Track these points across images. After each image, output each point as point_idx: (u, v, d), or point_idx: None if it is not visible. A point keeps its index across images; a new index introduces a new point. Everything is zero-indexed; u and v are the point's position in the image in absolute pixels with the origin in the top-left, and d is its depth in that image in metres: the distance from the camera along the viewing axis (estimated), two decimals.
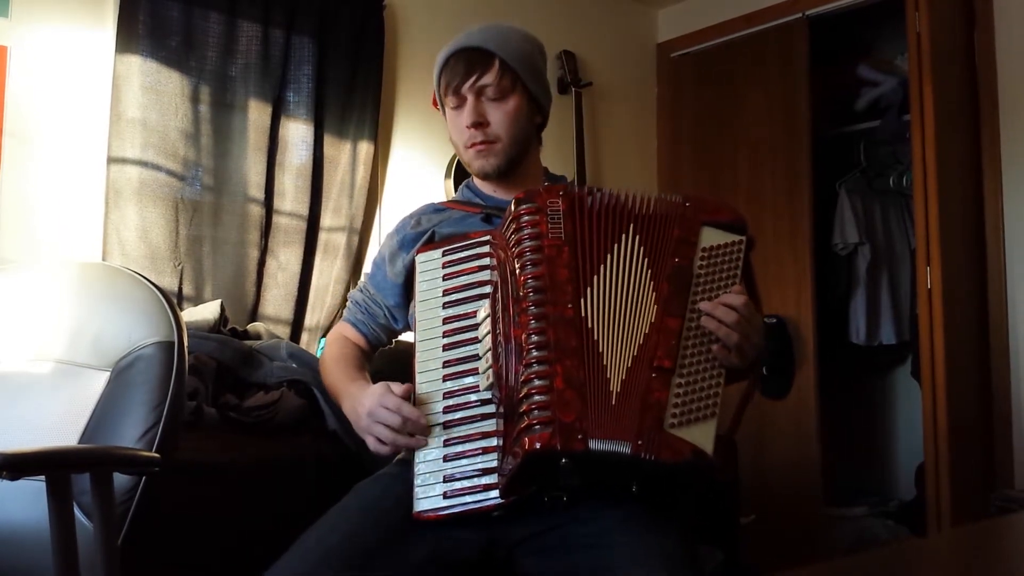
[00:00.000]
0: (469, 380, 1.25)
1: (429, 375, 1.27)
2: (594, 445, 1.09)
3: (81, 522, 1.20)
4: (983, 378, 2.65)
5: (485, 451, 1.20)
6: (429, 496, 1.20)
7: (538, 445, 1.08)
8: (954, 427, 2.48)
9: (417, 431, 1.23)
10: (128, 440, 1.27)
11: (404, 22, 2.74)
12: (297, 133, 2.44)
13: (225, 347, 1.97)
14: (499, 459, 1.18)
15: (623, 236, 1.25)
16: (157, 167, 2.20)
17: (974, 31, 2.75)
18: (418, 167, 2.74)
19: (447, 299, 1.32)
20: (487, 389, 1.21)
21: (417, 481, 1.21)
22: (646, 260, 1.23)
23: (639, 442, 1.10)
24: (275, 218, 2.40)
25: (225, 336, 2.07)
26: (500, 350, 1.19)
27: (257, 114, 2.36)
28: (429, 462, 1.22)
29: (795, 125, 3.00)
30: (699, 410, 1.14)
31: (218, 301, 2.19)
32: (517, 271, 1.21)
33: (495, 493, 1.17)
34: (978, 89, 2.73)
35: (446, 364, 1.27)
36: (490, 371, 1.20)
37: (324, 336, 2.40)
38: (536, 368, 1.13)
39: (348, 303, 1.57)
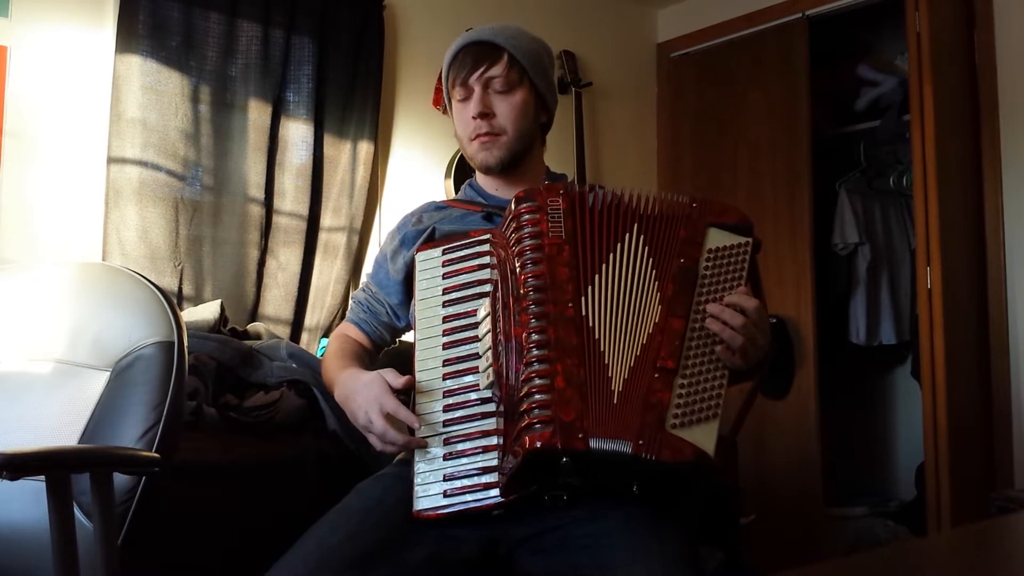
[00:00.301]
0: (469, 379, 1.25)
1: (429, 374, 1.27)
2: (595, 444, 1.08)
3: (81, 522, 1.20)
4: (983, 378, 2.65)
5: (485, 450, 1.20)
6: (429, 495, 1.20)
7: (539, 444, 1.07)
8: (954, 427, 2.48)
9: (402, 440, 1.22)
10: (128, 440, 1.27)
11: (404, 22, 2.74)
12: (297, 133, 2.44)
13: (225, 347, 1.97)
14: (499, 458, 1.18)
15: (626, 235, 1.25)
16: (157, 167, 2.21)
17: (974, 31, 2.74)
18: (418, 167, 2.74)
19: (447, 298, 1.32)
20: (487, 388, 1.21)
21: (417, 480, 1.21)
22: (650, 260, 1.23)
23: (640, 442, 1.09)
24: (275, 218, 2.40)
25: (225, 336, 2.07)
26: (500, 349, 1.19)
27: (257, 114, 2.36)
28: (429, 461, 1.22)
29: (795, 125, 3.00)
30: (701, 411, 1.14)
31: (218, 301, 2.19)
32: (517, 270, 1.21)
33: (495, 492, 1.17)
34: (978, 89, 2.73)
35: (446, 363, 1.27)
36: (490, 370, 1.20)
37: (324, 336, 2.41)
38: (537, 367, 1.12)
39: (351, 303, 1.57)
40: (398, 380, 1.25)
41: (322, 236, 2.47)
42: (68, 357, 1.37)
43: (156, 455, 1.25)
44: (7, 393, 1.37)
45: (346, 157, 2.52)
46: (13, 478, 1.05)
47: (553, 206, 1.25)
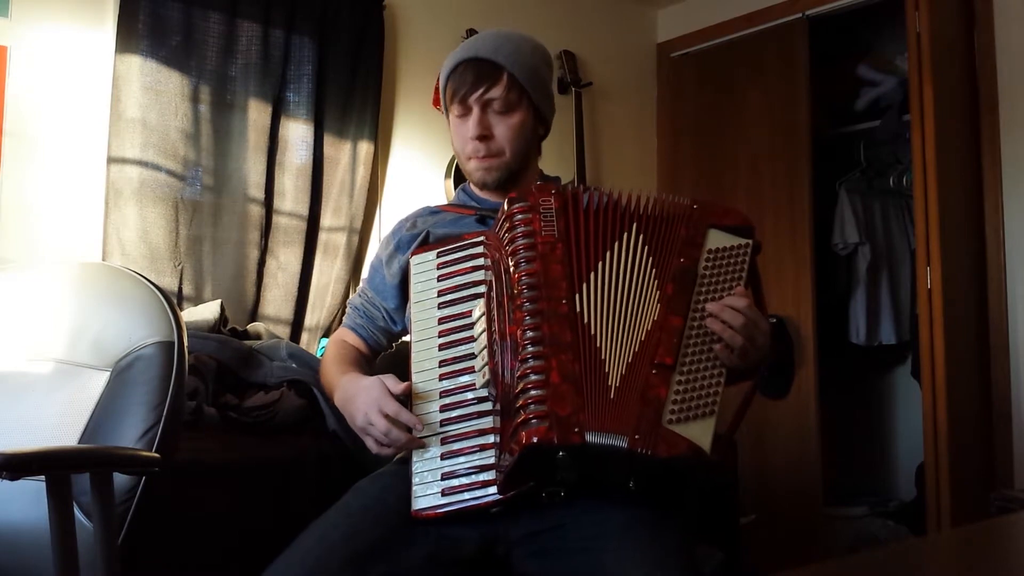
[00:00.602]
0: (465, 379, 1.25)
1: (425, 375, 1.28)
2: (591, 438, 1.09)
3: (81, 522, 1.20)
4: (983, 378, 2.65)
5: (482, 448, 1.20)
6: (427, 494, 1.20)
7: (535, 439, 1.08)
8: (954, 427, 2.48)
9: (405, 439, 1.22)
10: (128, 440, 1.27)
11: (404, 22, 2.74)
12: (297, 133, 2.44)
13: (225, 347, 1.97)
14: (496, 456, 1.18)
15: (624, 234, 1.26)
16: (157, 167, 2.21)
17: (974, 31, 2.75)
18: (418, 167, 2.74)
19: (442, 299, 1.33)
20: (483, 387, 1.22)
21: (415, 480, 1.22)
22: (650, 259, 1.24)
23: (636, 436, 1.10)
24: (275, 218, 2.40)
25: (225, 336, 2.07)
26: (496, 347, 1.20)
27: (257, 114, 2.36)
28: (426, 460, 1.22)
29: (795, 125, 3.00)
30: (698, 408, 1.14)
31: (218, 301, 2.19)
32: (511, 269, 1.22)
33: (493, 490, 1.17)
34: (978, 89, 2.73)
35: (442, 363, 1.28)
36: (486, 368, 1.21)
37: (324, 336, 2.41)
38: (531, 363, 1.13)
39: (348, 309, 1.58)
40: (398, 386, 1.25)
41: (322, 236, 2.47)
42: (68, 357, 1.37)
43: (156, 455, 1.25)
44: (7, 393, 1.37)
45: (346, 157, 2.52)
46: (13, 478, 1.05)
47: (545, 205, 1.26)
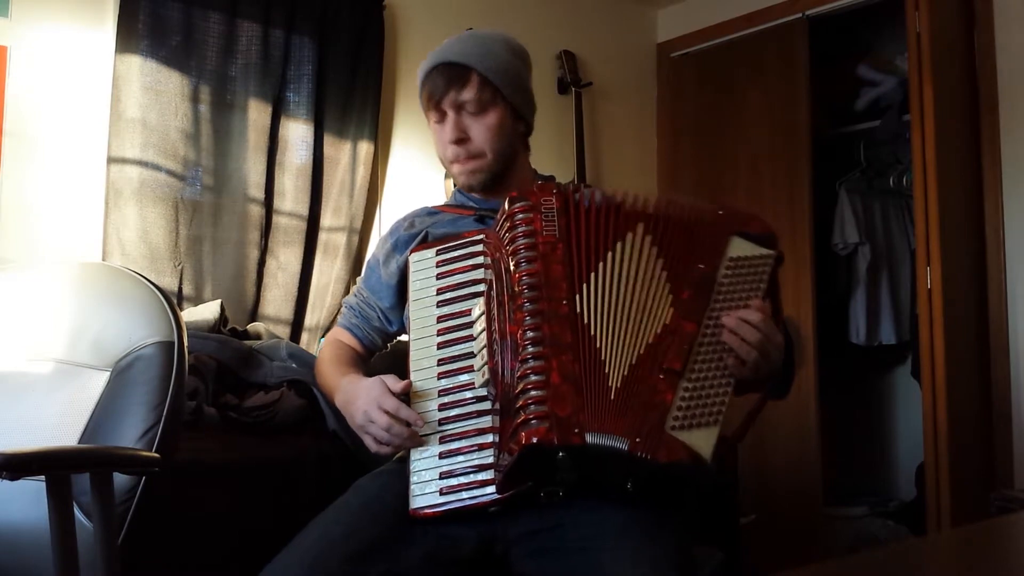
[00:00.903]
0: (464, 378, 1.25)
1: (424, 373, 1.28)
2: (591, 439, 1.09)
3: (81, 522, 1.20)
4: (983, 378, 2.65)
5: (481, 447, 1.20)
6: (425, 493, 1.20)
7: (535, 439, 1.08)
8: (954, 427, 2.48)
9: (407, 433, 1.22)
10: (128, 440, 1.27)
11: (404, 22, 2.74)
12: (297, 133, 2.44)
13: (225, 347, 1.97)
14: (495, 455, 1.18)
15: (628, 234, 1.25)
16: (157, 167, 2.21)
17: (974, 31, 2.75)
18: (418, 167, 2.74)
19: (441, 298, 1.32)
20: (483, 386, 1.22)
21: (413, 479, 1.22)
22: (660, 261, 1.23)
23: (637, 440, 1.10)
24: (275, 218, 2.40)
25: (225, 336, 2.07)
26: (495, 347, 1.20)
27: (257, 114, 2.36)
28: (425, 459, 1.22)
29: (795, 125, 3.00)
30: (703, 416, 1.13)
31: (218, 301, 2.19)
32: (512, 268, 1.21)
33: (491, 489, 1.17)
34: (978, 89, 2.73)
35: (440, 362, 1.27)
36: (485, 368, 1.20)
37: (324, 336, 2.41)
38: (532, 364, 1.13)
39: (343, 308, 1.58)
40: (398, 384, 1.25)
41: (322, 236, 2.47)
42: (68, 357, 1.37)
43: (156, 455, 1.25)
44: (7, 393, 1.37)
45: (346, 157, 2.52)
46: (13, 478, 1.05)
47: (547, 205, 1.26)
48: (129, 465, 1.25)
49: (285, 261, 2.40)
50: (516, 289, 1.19)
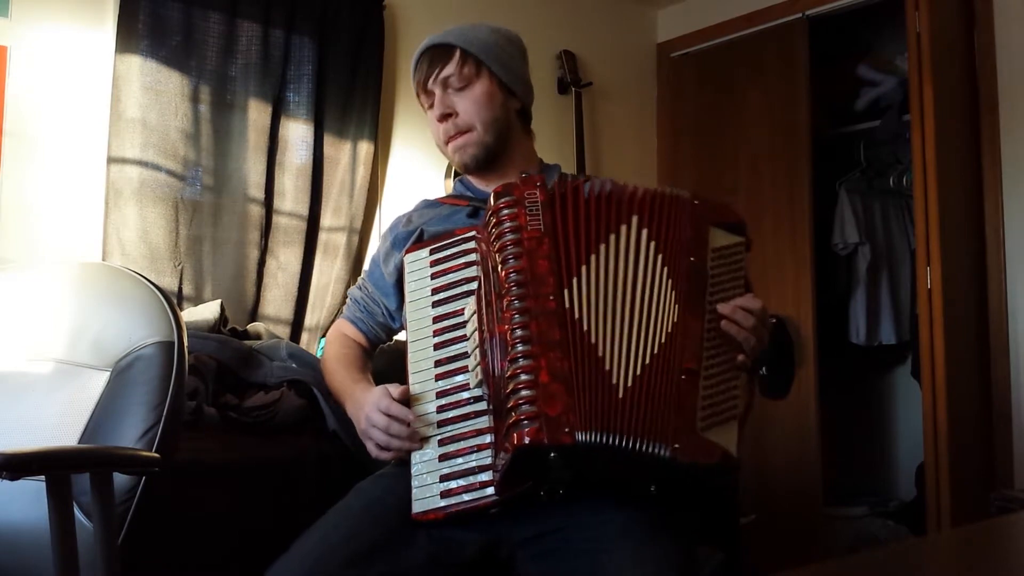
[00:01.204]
0: (460, 378, 1.24)
1: (421, 375, 1.27)
2: (581, 437, 1.07)
3: (81, 522, 1.20)
4: (983, 378, 2.65)
5: (479, 448, 1.19)
6: (427, 497, 1.20)
7: (526, 440, 1.07)
8: (954, 427, 2.48)
9: (406, 432, 1.23)
10: (128, 440, 1.27)
11: (404, 22, 2.74)
12: (297, 133, 2.44)
13: (225, 347, 1.97)
14: (493, 455, 1.17)
15: (622, 227, 1.22)
16: (157, 167, 2.21)
17: (974, 31, 2.75)
18: (418, 167, 2.74)
19: (436, 298, 1.32)
20: (477, 386, 1.21)
21: (414, 483, 1.21)
22: (659, 256, 1.21)
23: (676, 446, 1.09)
24: (275, 218, 2.40)
25: (225, 336, 2.07)
26: (487, 346, 1.19)
27: (257, 114, 2.36)
28: (425, 462, 1.22)
29: (795, 125, 3.00)
30: (722, 412, 1.13)
31: (218, 301, 2.19)
32: (499, 266, 1.20)
33: (491, 490, 1.16)
34: (978, 89, 2.73)
35: (437, 363, 1.27)
36: (479, 368, 1.20)
37: (324, 336, 2.40)
38: (521, 363, 1.11)
39: (348, 300, 1.57)
40: (396, 391, 1.26)
41: (322, 236, 2.47)
42: (68, 357, 1.37)
43: (156, 455, 1.25)
44: (7, 393, 1.37)
45: (346, 157, 2.52)
46: (13, 478, 1.05)
47: (531, 199, 1.23)
48: (129, 465, 1.25)
49: (285, 261, 2.40)
50: (503, 288, 1.17)
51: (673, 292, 1.19)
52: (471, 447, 1.20)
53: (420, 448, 1.23)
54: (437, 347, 1.28)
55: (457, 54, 1.41)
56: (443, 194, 2.70)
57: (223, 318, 2.15)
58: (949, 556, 0.82)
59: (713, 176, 3.23)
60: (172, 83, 2.24)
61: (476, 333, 1.21)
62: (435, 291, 1.32)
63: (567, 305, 1.15)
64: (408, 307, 1.34)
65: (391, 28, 2.68)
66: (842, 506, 3.14)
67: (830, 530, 2.96)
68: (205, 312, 2.13)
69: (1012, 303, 2.64)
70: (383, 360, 1.84)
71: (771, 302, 1.29)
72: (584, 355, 1.13)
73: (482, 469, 1.18)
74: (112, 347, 1.35)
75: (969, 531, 1.01)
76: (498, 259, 1.20)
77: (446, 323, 1.29)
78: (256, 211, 2.35)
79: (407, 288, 1.36)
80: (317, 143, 2.47)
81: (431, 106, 1.45)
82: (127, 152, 2.17)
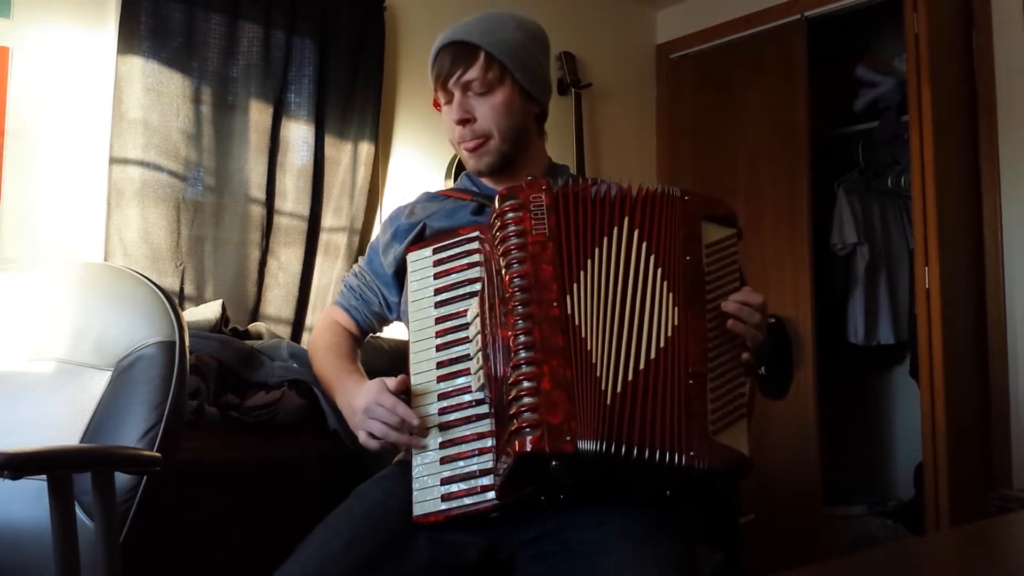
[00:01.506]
0: (462, 380, 1.23)
1: (423, 376, 1.26)
2: (583, 446, 1.07)
3: (82, 521, 1.21)
4: (981, 378, 2.66)
5: (481, 452, 1.19)
6: (427, 500, 1.19)
7: (528, 448, 1.06)
8: (952, 427, 2.49)
9: (412, 431, 1.22)
10: (129, 440, 1.27)
11: (404, 23, 2.74)
12: (298, 134, 2.44)
13: (226, 347, 1.97)
14: (495, 459, 1.17)
15: (614, 229, 1.21)
16: (159, 168, 2.21)
17: (972, 32, 2.75)
18: (418, 167, 2.75)
19: (438, 298, 1.30)
20: (479, 390, 1.20)
21: (415, 485, 1.21)
22: (652, 256, 1.20)
23: (691, 453, 1.08)
24: (276, 218, 2.40)
25: (226, 336, 2.07)
26: (489, 351, 1.18)
27: (258, 115, 2.36)
28: (426, 465, 1.21)
29: (794, 126, 3.00)
30: (732, 413, 1.12)
31: (219, 301, 2.19)
32: (503, 270, 1.18)
33: (492, 494, 1.16)
34: (976, 90, 2.73)
35: (440, 365, 1.26)
36: (481, 372, 1.19)
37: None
38: (523, 370, 1.10)
39: (342, 287, 1.53)
40: (393, 384, 1.24)
41: (323, 236, 2.48)
42: (70, 357, 1.37)
43: (157, 454, 1.26)
44: (9, 393, 1.38)
45: (347, 158, 2.52)
46: (15, 477, 1.05)
47: (536, 202, 1.21)
48: (130, 464, 1.25)
49: (286, 261, 2.40)
50: (507, 292, 1.16)
51: (670, 294, 1.17)
52: (473, 450, 1.19)
53: (421, 449, 1.22)
54: (440, 348, 1.27)
55: (482, 58, 1.36)
56: None
57: (224, 318, 2.15)
58: (948, 556, 0.82)
59: (712, 177, 3.23)
60: (174, 84, 2.24)
61: (479, 336, 1.21)
62: (438, 291, 1.30)
63: (569, 311, 1.15)
64: (410, 306, 1.33)
65: (391, 29, 2.68)
66: (841, 506, 3.14)
67: (829, 530, 2.97)
68: (206, 312, 2.13)
69: (1010, 303, 2.65)
70: (383, 360, 1.84)
71: (770, 302, 1.27)
72: (582, 362, 1.12)
73: (483, 473, 1.17)
74: (114, 347, 1.35)
75: (967, 531, 1.02)
76: (502, 263, 1.19)
77: (449, 324, 1.27)
78: (257, 211, 2.36)
79: (409, 287, 1.34)
80: (318, 144, 2.48)
81: (446, 103, 1.41)
82: (129, 153, 2.17)
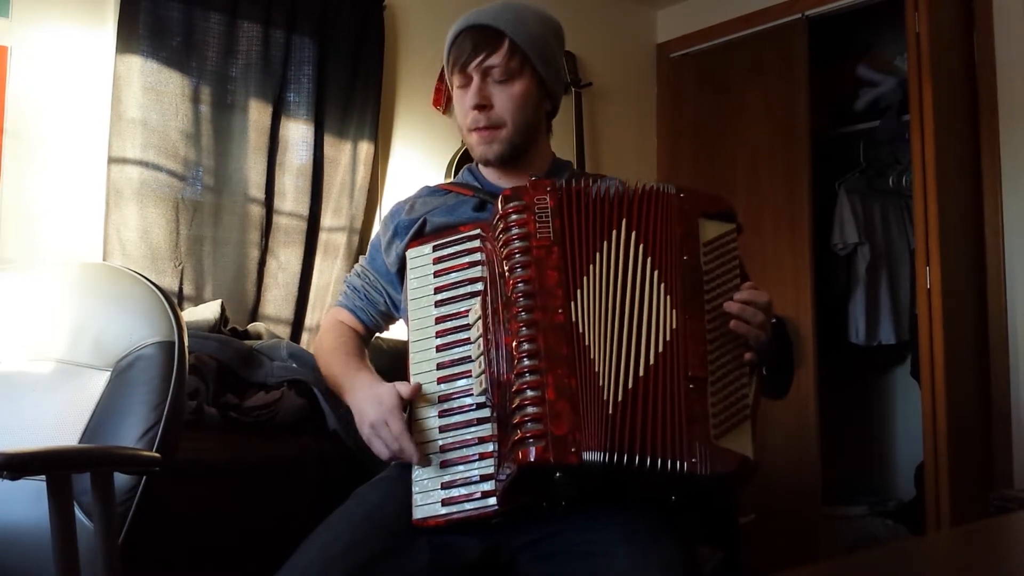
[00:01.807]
0: (463, 383, 1.22)
1: (424, 376, 1.25)
2: (588, 457, 1.06)
3: (82, 522, 1.21)
4: (982, 378, 2.65)
5: (482, 457, 1.18)
6: (428, 503, 1.18)
7: (531, 459, 1.05)
8: (953, 427, 2.48)
9: (410, 458, 1.20)
10: (129, 440, 1.27)
11: (404, 22, 2.74)
12: (297, 133, 2.44)
13: (225, 347, 1.97)
14: (496, 465, 1.16)
15: (613, 231, 1.19)
16: (158, 167, 2.21)
17: (973, 31, 2.75)
18: (418, 167, 2.75)
19: (439, 297, 1.28)
20: (481, 394, 1.19)
21: (415, 488, 1.20)
22: (649, 258, 1.18)
23: (694, 460, 1.07)
24: (275, 218, 2.40)
25: (225, 336, 2.07)
26: (492, 355, 1.16)
27: (258, 114, 2.36)
28: (427, 468, 1.20)
29: (794, 125, 3.00)
30: (735, 416, 1.11)
31: (218, 301, 2.19)
32: (506, 273, 1.16)
33: (493, 500, 1.15)
34: (977, 89, 2.73)
35: (440, 366, 1.24)
36: (483, 376, 1.18)
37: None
38: (527, 378, 1.09)
39: (345, 288, 1.52)
40: (405, 391, 1.22)
41: (322, 236, 2.48)
42: (69, 357, 1.37)
43: (157, 455, 1.25)
44: (8, 393, 1.38)
45: (346, 157, 2.52)
46: (14, 478, 1.05)
47: (540, 205, 1.18)
48: (130, 465, 1.25)
49: (285, 261, 2.40)
50: (510, 297, 1.14)
51: (668, 296, 1.15)
52: (474, 455, 1.18)
53: (426, 465, 1.20)
54: (440, 349, 1.25)
55: (506, 45, 1.33)
56: None
57: (223, 318, 2.15)
58: (948, 556, 0.82)
59: (713, 176, 3.23)
60: (173, 83, 2.24)
61: (481, 339, 1.19)
62: (438, 290, 1.29)
63: (573, 318, 1.13)
64: (410, 304, 1.31)
65: (391, 28, 2.68)
66: (841, 506, 3.14)
67: (829, 530, 2.96)
68: (206, 312, 2.13)
69: (1011, 302, 2.65)
70: (384, 360, 1.84)
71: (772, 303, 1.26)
72: (586, 371, 1.11)
73: (484, 478, 1.16)
74: (113, 347, 1.35)
75: (968, 531, 1.02)
76: (505, 267, 1.17)
77: (449, 324, 1.26)
78: (256, 211, 2.36)
79: (409, 284, 1.32)
80: (317, 143, 2.47)
81: (461, 86, 1.38)
82: (128, 152, 2.17)
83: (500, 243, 1.20)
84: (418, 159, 2.75)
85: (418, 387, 1.24)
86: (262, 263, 2.37)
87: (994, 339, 2.65)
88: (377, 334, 1.55)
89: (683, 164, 3.37)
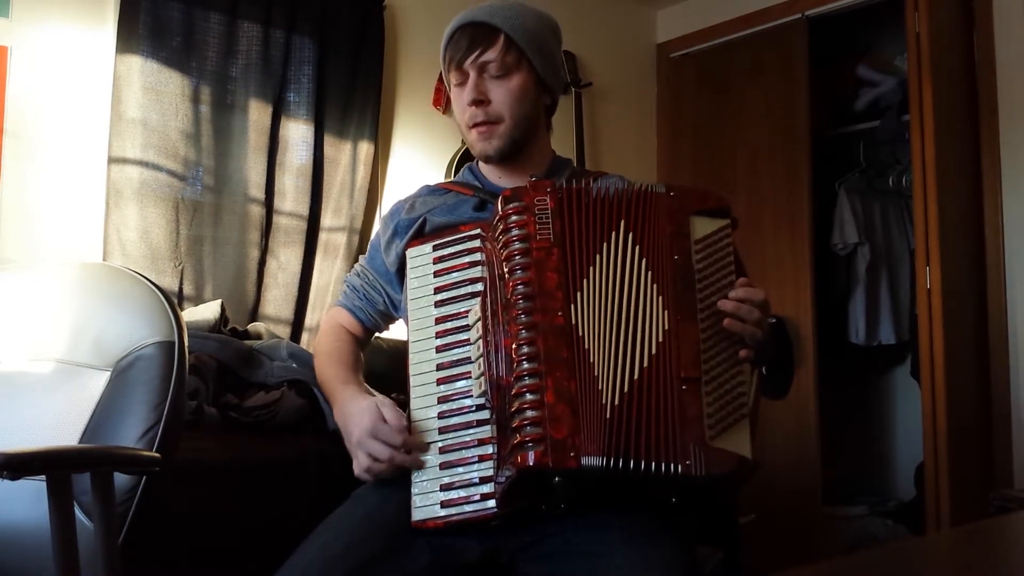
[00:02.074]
0: (462, 384, 1.22)
1: (423, 377, 1.25)
2: (587, 462, 1.06)
3: (82, 522, 1.20)
4: (982, 378, 2.65)
5: (481, 459, 1.17)
6: (427, 505, 1.18)
7: (531, 463, 1.05)
8: (953, 427, 2.48)
9: (414, 450, 1.20)
10: (129, 440, 1.27)
11: (404, 22, 2.74)
12: (297, 133, 2.44)
13: (225, 347, 1.97)
14: (495, 467, 1.16)
15: (612, 234, 1.18)
16: (158, 167, 2.21)
17: (973, 31, 2.75)
18: (418, 167, 2.75)
19: (439, 297, 1.28)
20: (480, 396, 1.19)
21: (415, 490, 1.19)
22: (644, 260, 1.17)
23: (688, 462, 1.07)
24: (275, 218, 2.40)
25: (225, 336, 2.07)
26: (491, 357, 1.16)
27: (258, 114, 2.36)
28: (426, 470, 1.20)
29: (794, 125, 3.00)
30: (732, 415, 1.10)
31: (218, 301, 2.19)
32: (506, 275, 1.16)
33: (492, 502, 1.15)
34: (977, 89, 2.73)
35: (440, 367, 1.24)
36: (483, 378, 1.18)
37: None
38: (527, 381, 1.09)
39: (345, 288, 1.52)
40: (392, 418, 1.21)
41: (322, 236, 2.48)
42: (69, 357, 1.37)
43: (157, 455, 1.25)
44: (8, 393, 1.38)
45: (346, 157, 2.52)
46: (14, 478, 1.05)
47: (540, 206, 1.18)
48: (130, 465, 1.25)
49: (285, 261, 2.40)
50: (510, 298, 1.14)
51: (660, 297, 1.15)
52: (473, 457, 1.18)
53: (420, 466, 1.20)
54: (440, 349, 1.25)
55: (502, 40, 1.34)
56: None
57: (223, 318, 2.15)
58: (948, 555, 0.82)
59: (713, 176, 3.23)
60: (173, 83, 2.24)
61: (480, 341, 1.19)
62: (438, 290, 1.28)
63: (573, 321, 1.13)
64: (409, 304, 1.31)
65: (391, 28, 2.68)
66: (841, 506, 3.14)
67: (829, 530, 2.96)
68: (206, 312, 2.13)
69: (1011, 302, 2.65)
70: (383, 360, 1.84)
71: (770, 302, 1.26)
72: (585, 374, 1.11)
73: (484, 480, 1.16)
74: (113, 347, 1.35)
75: (968, 531, 1.02)
76: (505, 268, 1.16)
77: (449, 324, 1.25)
78: (256, 211, 2.36)
79: (409, 284, 1.32)
80: (317, 143, 2.47)
81: (458, 84, 1.38)
82: (128, 152, 2.17)
83: (500, 244, 1.19)
84: (418, 159, 2.75)
85: (402, 420, 1.22)
86: (262, 263, 2.38)
87: (994, 339, 2.65)
88: (377, 334, 1.55)
89: (683, 164, 3.37)
